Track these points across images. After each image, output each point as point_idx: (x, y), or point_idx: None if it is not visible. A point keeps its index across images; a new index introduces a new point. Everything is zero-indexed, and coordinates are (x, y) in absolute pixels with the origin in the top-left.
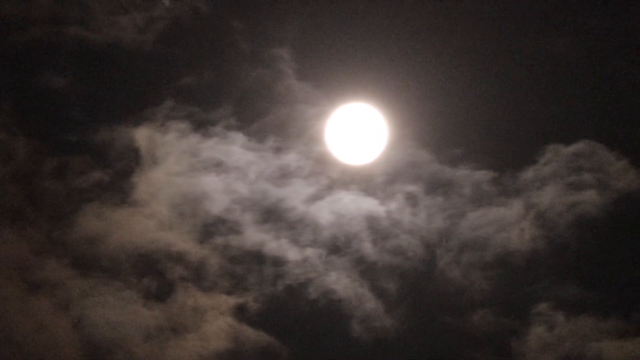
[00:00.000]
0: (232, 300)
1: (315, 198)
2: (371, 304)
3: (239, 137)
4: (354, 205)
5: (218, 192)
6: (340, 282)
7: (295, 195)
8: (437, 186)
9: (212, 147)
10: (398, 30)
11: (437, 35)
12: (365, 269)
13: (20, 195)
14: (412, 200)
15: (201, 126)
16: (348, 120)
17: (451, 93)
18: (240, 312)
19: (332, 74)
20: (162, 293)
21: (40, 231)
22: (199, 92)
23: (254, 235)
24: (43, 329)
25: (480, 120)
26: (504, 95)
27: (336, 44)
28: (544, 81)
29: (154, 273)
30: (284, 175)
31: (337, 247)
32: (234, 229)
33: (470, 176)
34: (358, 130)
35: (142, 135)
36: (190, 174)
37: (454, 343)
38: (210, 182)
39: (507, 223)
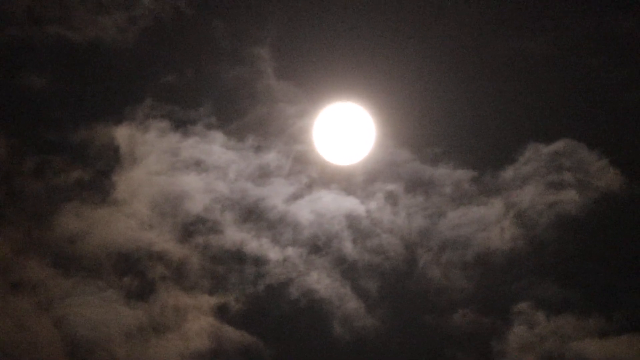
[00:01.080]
0: (214, 300)
1: (296, 197)
2: (352, 303)
3: (219, 136)
4: (334, 204)
5: (198, 191)
6: (321, 281)
7: (275, 195)
8: (417, 185)
9: (192, 146)
10: (380, 29)
11: (420, 36)
12: (346, 269)
13: (1, 195)
14: (392, 199)
15: (181, 125)
16: (329, 119)
17: (432, 93)
18: (221, 311)
19: (312, 73)
20: (143, 292)
21: (20, 231)
22: (179, 91)
23: (235, 235)
24: (24, 328)
25: (460, 119)
26: (484, 94)
27: (317, 43)
28: (523, 81)
29: (135, 272)
30: (264, 174)
31: (317, 246)
32: (215, 228)
33: (451, 175)
34: (339, 130)
35: (122, 134)
36: (171, 173)
37: (435, 342)
38: (191, 181)
39: (487, 222)
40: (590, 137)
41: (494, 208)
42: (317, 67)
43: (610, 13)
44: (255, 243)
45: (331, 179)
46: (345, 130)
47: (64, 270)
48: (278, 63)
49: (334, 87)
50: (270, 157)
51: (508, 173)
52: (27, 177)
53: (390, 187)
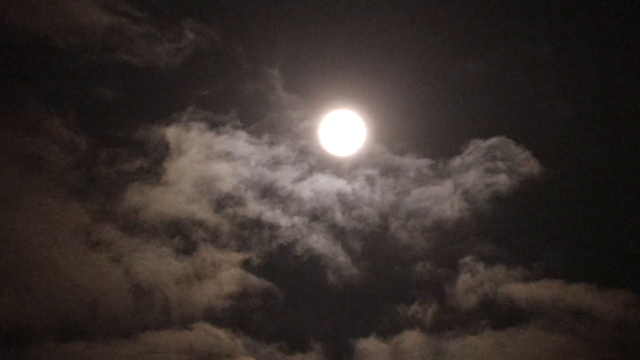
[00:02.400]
0: (240, 256)
1: (300, 179)
2: (342, 258)
3: (242, 134)
4: (328, 184)
5: (227, 175)
6: (319, 242)
7: (284, 177)
8: (389, 170)
9: (223, 142)
10: (368, 57)
11: (394, 63)
12: (337, 232)
13: (83, 177)
14: (371, 181)
15: (214, 126)
16: (327, 122)
17: (403, 104)
18: (245, 264)
19: (312, 87)
20: (188, 249)
21: (98, 204)
22: (212, 101)
23: (255, 207)
24: (102, 276)
25: (421, 122)
26: (439, 103)
27: (316, 64)
28: (467, 92)
29: (181, 235)
30: (276, 162)
31: (316, 216)
32: (240, 202)
33: (414, 163)
34: (335, 129)
35: (171, 132)
36: (207, 161)
37: (402, 286)
38: (222, 168)
39: (440, 198)
40: (517, 135)
41: (445, 187)
42: (317, 82)
43: (530, 40)
44: (270, 213)
45: (326, 166)
46: (340, 129)
47: (130, 233)
48: (286, 80)
49: (329, 98)
50: (281, 150)
51: (456, 161)
52: (102, 164)
53: (370, 172)
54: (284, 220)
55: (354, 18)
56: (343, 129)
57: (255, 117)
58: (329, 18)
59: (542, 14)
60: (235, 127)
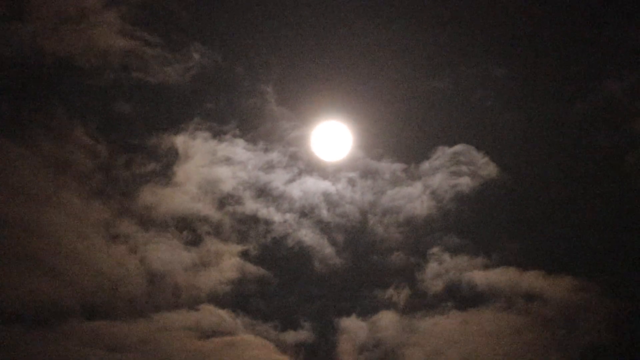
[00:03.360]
0: (239, 247)
1: (291, 181)
2: (327, 249)
3: (241, 142)
4: (315, 186)
5: (228, 178)
6: (307, 235)
7: (277, 179)
8: (368, 173)
9: (224, 149)
10: (352, 76)
11: (373, 82)
12: (323, 227)
13: (103, 179)
14: (352, 182)
15: (217, 135)
16: (313, 131)
17: (380, 117)
18: (244, 254)
19: (302, 102)
20: (194, 241)
21: (117, 202)
22: (215, 113)
23: (252, 205)
24: (120, 265)
25: (396, 131)
26: (410, 115)
27: (306, 82)
28: (435, 108)
29: (189, 229)
30: (270, 167)
31: (304, 213)
32: (239, 201)
33: (389, 167)
34: (320, 137)
35: (180, 140)
36: (210, 165)
37: (379, 273)
38: (223, 171)
39: (412, 197)
40: (477, 143)
41: (416, 188)
42: (305, 97)
43: (488, 63)
44: (265, 210)
45: (313, 169)
46: (326, 138)
47: (145, 227)
48: (278, 95)
49: (317, 111)
50: (274, 155)
51: (425, 166)
52: (120, 168)
53: (351, 174)
54: (277, 217)
55: (338, 44)
56: (329, 138)
57: (251, 127)
58: (317, 42)
59: (498, 41)
60: (235, 136)
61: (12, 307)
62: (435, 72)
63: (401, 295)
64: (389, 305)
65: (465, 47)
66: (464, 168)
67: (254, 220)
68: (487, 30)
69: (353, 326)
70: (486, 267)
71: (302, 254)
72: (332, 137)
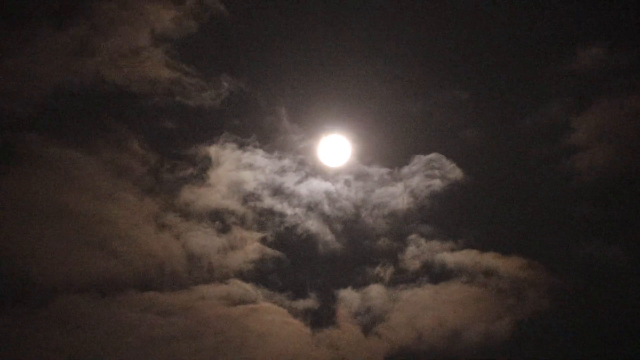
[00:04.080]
0: (259, 235)
1: (299, 182)
2: (328, 236)
3: (260, 152)
4: (319, 186)
5: (250, 180)
6: (312, 225)
7: (289, 181)
8: (360, 176)
9: (247, 157)
10: (352, 98)
11: (365, 105)
12: (325, 218)
13: (153, 181)
14: (348, 183)
15: (241, 146)
16: (318, 142)
17: (370, 133)
18: (263, 240)
19: (307, 120)
20: (224, 229)
21: (163, 200)
22: (240, 129)
23: (269, 201)
24: (166, 249)
25: (383, 143)
26: (394, 130)
27: (310, 103)
28: (413, 123)
29: (220, 220)
30: (283, 171)
31: (310, 207)
32: (259, 198)
33: (378, 171)
34: (323, 147)
35: (212, 150)
36: (236, 170)
37: (369, 255)
38: (246, 175)
39: (395, 195)
40: (446, 152)
41: (398, 188)
42: (311, 116)
43: (454, 88)
44: (279, 205)
45: (317, 173)
46: (328, 148)
47: (185, 218)
48: (290, 114)
49: (321, 126)
50: (286, 162)
51: (405, 170)
52: (166, 172)
53: (347, 177)
54: (288, 210)
55: (338, 75)
56: (330, 148)
57: (268, 140)
58: (320, 74)
59: (462, 71)
60: (255, 147)
61: (82, 281)
62: (414, 96)
63: (386, 272)
64: (377, 279)
65: (436, 77)
66: (436, 172)
67: (270, 213)
68: (453, 63)
69: (349, 296)
70: (453, 249)
71: (309, 239)
72: (333, 148)
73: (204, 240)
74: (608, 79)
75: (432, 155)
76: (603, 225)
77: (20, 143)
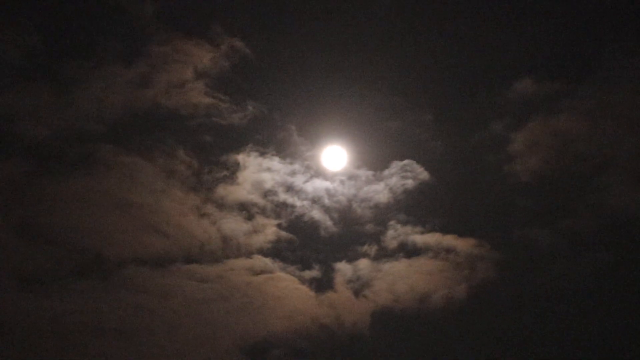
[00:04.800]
0: (276, 221)
1: (305, 181)
2: (328, 222)
3: (276, 159)
4: (321, 184)
5: (268, 180)
6: (316, 214)
7: (298, 181)
8: (351, 177)
9: (266, 162)
10: (342, 116)
11: (356, 123)
12: (325, 209)
13: (195, 181)
14: (343, 182)
15: (261, 155)
16: (321, 151)
17: (360, 142)
18: (279, 225)
19: (312, 134)
20: (249, 217)
21: (203, 194)
22: (261, 142)
23: (282, 196)
24: (205, 231)
25: (369, 152)
26: (377, 143)
27: (315, 120)
28: (391, 137)
29: (246, 211)
30: (293, 173)
31: (315, 201)
32: (275, 193)
33: (364, 173)
34: (325, 155)
35: (240, 157)
36: (258, 172)
37: (359, 236)
38: (266, 176)
39: (378, 191)
40: (417, 159)
41: (380, 186)
42: (316, 131)
43: (418, 111)
44: (291, 199)
45: (320, 175)
46: (329, 155)
47: (220, 209)
48: (299, 130)
49: (323, 139)
50: (296, 167)
51: (385, 172)
52: (205, 174)
53: (342, 177)
54: (298, 203)
55: (336, 100)
56: (330, 155)
57: (282, 150)
58: (323, 98)
59: (428, 96)
60: (272, 155)
61: (142, 256)
62: (392, 117)
63: (372, 249)
64: (365, 255)
65: (409, 102)
66: (409, 174)
67: (284, 205)
68: (421, 92)
69: (343, 268)
70: (422, 232)
71: (313, 225)
72: (332, 155)
73: (233, 225)
74: (537, 104)
75: (406, 162)
76: (534, 214)
77: (97, 152)
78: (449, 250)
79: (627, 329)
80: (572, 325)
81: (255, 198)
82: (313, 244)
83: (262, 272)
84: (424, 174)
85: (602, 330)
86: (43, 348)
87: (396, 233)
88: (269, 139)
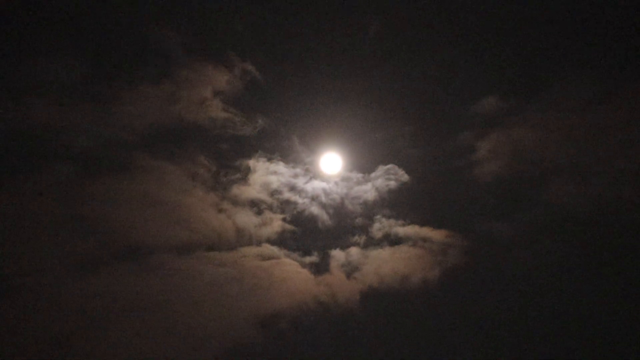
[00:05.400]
0: (281, 216)
1: (306, 183)
2: (324, 216)
3: (281, 163)
4: (319, 185)
5: (275, 181)
6: (315, 209)
7: (299, 182)
8: (344, 180)
9: (273, 166)
10: (338, 131)
11: (348, 136)
12: (322, 205)
13: (214, 182)
14: (337, 183)
15: (268, 160)
16: (319, 157)
17: (352, 150)
18: (284, 219)
19: (312, 143)
20: (259, 212)
21: (220, 193)
22: (268, 149)
23: (287, 194)
24: (223, 224)
25: (360, 159)
26: (364, 152)
27: (313, 133)
28: (377, 147)
29: (256, 206)
30: (296, 175)
31: (313, 198)
32: (281, 192)
33: (355, 176)
34: (323, 160)
35: (252, 162)
36: (266, 175)
37: (351, 228)
38: (272, 178)
39: (366, 190)
40: (399, 163)
41: (368, 186)
42: (315, 140)
43: (399, 125)
44: (294, 197)
45: (318, 176)
46: (326, 160)
47: (235, 205)
48: (300, 140)
49: (321, 146)
50: (298, 170)
51: (372, 175)
52: (222, 176)
53: (336, 179)
54: (299, 200)
55: (334, 116)
56: (326, 161)
57: (286, 156)
58: (321, 113)
59: (406, 111)
60: (278, 160)
61: (169, 244)
62: (378, 129)
63: (361, 239)
64: (355, 244)
65: (391, 117)
66: (392, 176)
67: (288, 202)
68: (400, 107)
69: (337, 254)
70: (403, 225)
71: (312, 219)
72: (329, 161)
73: (246, 219)
74: (497, 119)
75: (390, 166)
76: (495, 209)
77: (132, 158)
78: (425, 240)
79: (570, 300)
80: (527, 298)
81: (264, 196)
82: (312, 234)
83: (269, 257)
84: (404, 176)
85: (551, 301)
86: (90, 317)
87: (381, 225)
88: (275, 147)
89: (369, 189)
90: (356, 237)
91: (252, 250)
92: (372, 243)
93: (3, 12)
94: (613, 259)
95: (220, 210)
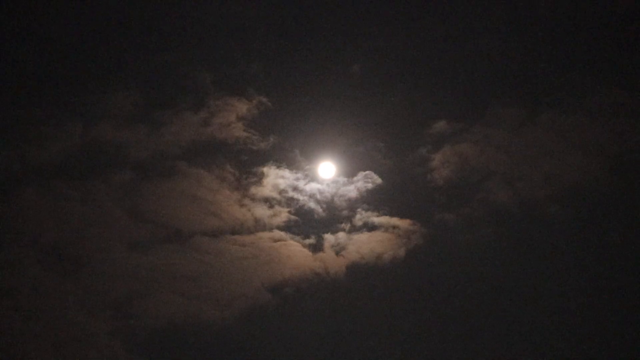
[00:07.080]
0: (287, 209)
1: (305, 184)
2: (319, 209)
3: (286, 170)
4: (315, 186)
5: (282, 183)
6: (312, 204)
7: (300, 184)
8: (334, 182)
9: (279, 173)
10: (332, 141)
11: (343, 145)
12: (318, 201)
13: (237, 184)
14: (328, 185)
15: (277, 168)
16: (316, 165)
17: (344, 159)
18: (289, 212)
19: (310, 154)
20: (270, 206)
21: (241, 192)
22: (277, 160)
23: (291, 193)
24: (244, 216)
25: (345, 166)
26: (351, 160)
27: (312, 146)
28: (358, 157)
29: (269, 202)
30: (297, 179)
31: (311, 197)
32: (286, 192)
33: (342, 179)
34: (319, 167)
35: (265, 169)
36: (275, 179)
37: (338, 218)
38: (280, 181)
39: (350, 191)
40: (374, 170)
41: (351, 187)
42: (313, 150)
43: (376, 139)
44: (297, 195)
45: (315, 180)
46: (321, 167)
47: (252, 202)
48: (301, 151)
49: (318, 156)
50: (299, 175)
51: (354, 179)
52: (243, 181)
53: (329, 182)
54: (301, 198)
55: (331, 128)
56: (322, 168)
57: (291, 165)
58: (321, 125)
59: (378, 131)
60: (284, 168)
61: (204, 230)
62: (358, 144)
63: (347, 226)
64: (342, 230)
65: (368, 135)
66: (369, 180)
67: (292, 199)
68: (376, 129)
69: (329, 238)
70: (378, 216)
71: (311, 211)
72: (324, 168)
73: (261, 211)
74: (447, 137)
75: (367, 172)
76: (445, 205)
77: (176, 166)
78: (394, 227)
79: (498, 272)
80: (468, 270)
81: (274, 195)
82: (310, 223)
83: (278, 240)
84: (378, 180)
85: (484, 272)
86: (144, 284)
87: (361, 216)
88: (282, 158)
89: (352, 189)
90: (343, 225)
91: (266, 234)
92: (354, 229)
93: (81, 54)
94: (534, 244)
95: (242, 205)
